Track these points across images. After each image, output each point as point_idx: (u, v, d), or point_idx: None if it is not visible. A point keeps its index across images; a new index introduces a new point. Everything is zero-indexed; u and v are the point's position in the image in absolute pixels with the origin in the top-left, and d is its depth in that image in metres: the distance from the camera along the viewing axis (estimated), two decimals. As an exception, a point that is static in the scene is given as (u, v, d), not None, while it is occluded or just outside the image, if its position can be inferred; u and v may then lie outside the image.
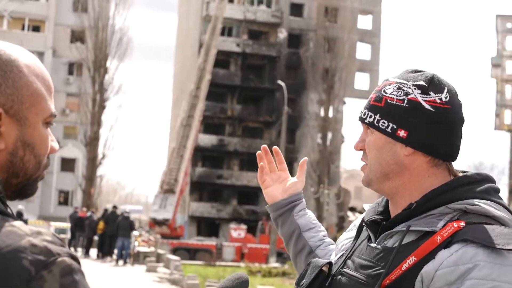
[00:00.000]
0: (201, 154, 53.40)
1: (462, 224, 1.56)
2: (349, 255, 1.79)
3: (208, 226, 53.04)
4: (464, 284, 1.48)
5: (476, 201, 1.62)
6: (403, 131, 1.68)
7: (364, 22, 63.72)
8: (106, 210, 28.81)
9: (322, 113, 54.35)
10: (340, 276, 1.75)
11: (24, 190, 1.31)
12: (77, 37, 52.89)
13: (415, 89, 1.69)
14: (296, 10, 58.84)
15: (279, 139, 49.48)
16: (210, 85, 44.66)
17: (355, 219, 2.00)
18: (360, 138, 1.79)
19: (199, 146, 49.63)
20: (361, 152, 1.79)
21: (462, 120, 1.72)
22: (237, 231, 39.61)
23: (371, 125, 1.72)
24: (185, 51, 61.73)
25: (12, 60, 1.28)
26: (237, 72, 56.30)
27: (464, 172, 1.74)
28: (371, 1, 61.50)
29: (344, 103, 56.55)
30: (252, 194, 55.19)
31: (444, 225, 1.59)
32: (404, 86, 1.70)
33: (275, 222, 2.19)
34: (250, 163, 55.80)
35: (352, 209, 58.26)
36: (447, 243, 1.55)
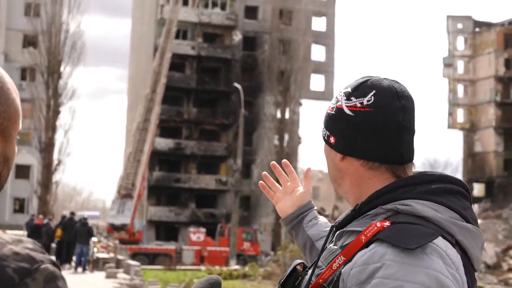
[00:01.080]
0: (158, 158, 53.09)
1: (387, 224, 1.55)
2: (319, 258, 1.81)
3: (167, 230, 52.76)
4: (370, 283, 1.48)
5: (408, 201, 1.59)
6: (332, 138, 1.73)
7: (318, 24, 64.27)
8: (63, 217, 28.43)
9: (278, 115, 54.56)
10: (305, 276, 1.78)
11: None
12: (29, 41, 52.11)
13: (342, 96, 1.72)
14: (251, 12, 58.98)
15: (236, 141, 49.51)
16: (165, 88, 44.47)
17: None
18: None
19: (156, 150, 49.35)
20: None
21: (392, 121, 1.66)
22: (196, 234, 39.52)
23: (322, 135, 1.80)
24: (140, 55, 61.33)
25: (0, 77, 1.29)
26: (192, 75, 56.16)
27: (425, 172, 1.71)
28: (324, 3, 62.01)
29: (300, 104, 56.87)
30: (210, 197, 55.08)
31: (369, 225, 1.59)
32: (338, 95, 1.75)
33: (290, 234, 2.25)
34: (207, 166, 55.69)
35: (310, 210, 58.62)
36: (368, 243, 1.55)
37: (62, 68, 46.97)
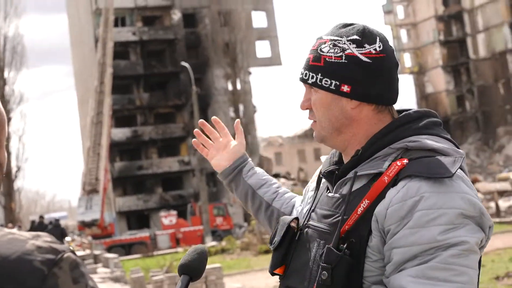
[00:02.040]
0: (117, 149, 52.72)
1: (405, 161, 1.63)
2: (312, 208, 1.86)
3: (138, 219, 52.65)
4: (413, 216, 1.56)
5: (415, 137, 1.70)
6: (346, 86, 1.74)
7: (255, -10, 63.95)
8: (33, 222, 28.21)
9: (230, 87, 54.52)
10: (306, 229, 1.81)
11: None
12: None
13: (350, 44, 1.75)
14: (186, -11, 58.45)
15: (192, 120, 49.40)
16: (113, 78, 44.01)
17: (316, 171, 2.06)
18: (304, 98, 1.84)
19: (114, 141, 48.99)
20: (307, 111, 1.86)
21: (396, 65, 1.81)
22: (168, 218, 39.52)
23: (314, 85, 1.78)
24: (82, 49, 60.46)
25: None
26: (138, 61, 55.62)
27: (406, 110, 1.82)
28: (258, -32, 61.72)
29: (250, 73, 56.86)
30: (175, 179, 55.02)
31: (389, 165, 1.66)
32: (339, 43, 1.76)
33: (229, 187, 2.26)
34: (168, 149, 55.51)
35: (276, 176, 58.93)
36: (394, 182, 1.62)
37: (6, 74, 46.17)
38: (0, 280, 1.17)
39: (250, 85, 56.93)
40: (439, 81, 71.10)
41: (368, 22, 1.94)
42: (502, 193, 32.64)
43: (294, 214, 2.12)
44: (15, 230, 1.26)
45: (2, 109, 1.39)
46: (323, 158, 1.99)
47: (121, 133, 53.33)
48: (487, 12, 66.62)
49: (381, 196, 1.63)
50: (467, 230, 1.56)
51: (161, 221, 39.92)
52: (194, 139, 2.34)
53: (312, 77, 1.78)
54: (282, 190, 2.22)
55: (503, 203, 30.50)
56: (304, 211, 1.93)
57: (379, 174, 1.67)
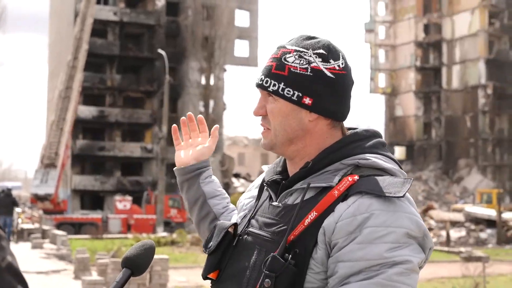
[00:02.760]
0: (81, 126, 52.21)
1: (356, 177, 1.67)
2: (252, 215, 1.85)
3: (92, 199, 52.19)
4: (362, 232, 1.59)
5: (366, 156, 1.73)
6: (308, 99, 1.75)
7: (242, -11, 63.91)
8: (-15, 188, 27.77)
9: (203, 81, 54.40)
10: (246, 236, 1.81)
11: None
12: None
13: (316, 57, 1.76)
14: (174, -23, 58.19)
15: (161, 108, 49.13)
16: (88, 55, 43.60)
17: (254, 181, 2.08)
18: (259, 104, 1.84)
19: (79, 118, 48.49)
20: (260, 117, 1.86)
21: (353, 83, 1.83)
22: (122, 202, 39.27)
23: (275, 93, 1.77)
24: (61, 21, 59.78)
25: None
26: (115, 42, 55.16)
27: (353, 129, 1.86)
28: (248, -32, 61.70)
29: (225, 70, 56.80)
30: (135, 165, 54.68)
31: (339, 180, 1.68)
32: (305, 55, 1.77)
33: (180, 185, 2.21)
34: (132, 134, 55.14)
35: (236, 175, 58.98)
36: (344, 197, 1.64)
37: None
38: None
39: (224, 82, 56.87)
40: (409, 106, 71.85)
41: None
42: (454, 223, 33.09)
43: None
44: None
45: None
46: (265, 167, 2.00)
47: (88, 111, 52.82)
48: (465, 45, 67.53)
49: (330, 209, 1.65)
50: (411, 249, 1.60)
51: (115, 205, 39.65)
52: (174, 125, 2.29)
53: (274, 85, 1.77)
54: (231, 206, 2.20)
55: (454, 233, 30.93)
56: (242, 218, 1.92)
57: (328, 188, 1.69)
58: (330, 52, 1.78)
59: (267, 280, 1.61)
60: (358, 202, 1.62)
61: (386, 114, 74.65)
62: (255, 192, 2.00)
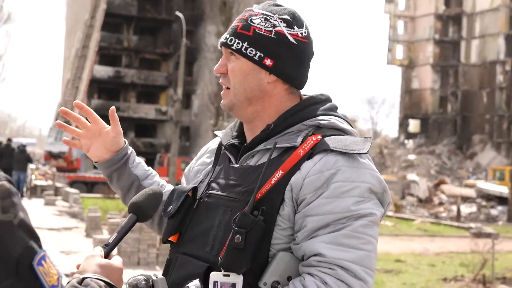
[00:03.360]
0: (97, 86, 52.32)
1: (319, 137, 1.75)
2: (211, 179, 1.90)
3: (105, 159, 52.48)
4: (329, 187, 1.68)
5: (326, 117, 1.82)
6: (269, 60, 1.81)
7: (263, -46, 63.30)
8: (0, 143, 27.99)
9: (219, 45, 54.15)
10: (206, 198, 1.85)
11: None
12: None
13: (281, 22, 1.82)
14: None
15: (176, 71, 49.01)
16: (105, 15, 43.50)
17: (202, 149, 2.10)
18: (221, 62, 1.88)
19: (94, 77, 48.56)
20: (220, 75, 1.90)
21: (313, 54, 1.89)
22: (135, 163, 39.42)
23: (238, 51, 1.82)
24: (79, -21, 59.53)
25: None
26: (133, 2, 54.97)
27: (306, 95, 1.92)
28: None
29: (242, 35, 56.54)
30: (149, 127, 54.84)
31: (303, 140, 1.76)
32: (271, 18, 1.83)
33: (109, 177, 2.13)
34: (147, 95, 55.19)
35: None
36: (309, 155, 1.73)
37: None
38: None
39: (240, 48, 56.66)
40: (426, 79, 71.33)
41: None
42: (465, 199, 33.06)
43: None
44: None
45: None
46: (218, 132, 2.04)
47: (104, 71, 52.86)
48: (486, 20, 66.73)
49: (296, 168, 1.72)
50: (373, 203, 1.71)
51: (127, 166, 39.81)
52: (63, 138, 2.16)
53: (238, 44, 1.83)
54: (163, 182, 2.19)
55: (465, 209, 30.91)
56: (199, 182, 1.94)
57: (292, 148, 1.76)
58: (294, 19, 1.85)
59: (237, 236, 1.65)
60: (324, 160, 1.71)
61: (402, 86, 74.18)
62: (207, 159, 2.03)
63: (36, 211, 18.51)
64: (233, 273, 1.68)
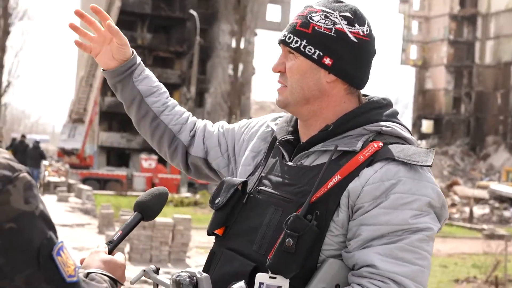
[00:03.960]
0: (110, 84, 52.50)
1: (381, 144, 1.70)
2: (262, 174, 1.85)
3: (118, 156, 52.66)
4: (389, 198, 1.63)
5: (388, 124, 1.77)
6: (328, 59, 1.76)
7: (277, -47, 63.21)
8: (14, 140, 28.15)
9: (233, 44, 54.17)
10: (257, 194, 1.81)
11: None
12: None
13: (341, 19, 1.76)
14: None
15: (190, 69, 49.12)
16: (120, 13, 43.61)
17: (255, 125, 2.03)
18: (279, 60, 1.83)
19: (108, 75, 48.69)
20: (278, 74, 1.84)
21: (375, 53, 1.84)
22: (148, 161, 39.54)
23: (296, 49, 1.77)
24: (94, -23, 59.72)
25: None
26: (147, 0, 55.07)
27: (366, 96, 1.87)
28: None
29: (256, 34, 56.51)
30: (162, 125, 54.95)
31: (363, 145, 1.71)
32: (331, 16, 1.77)
33: (113, 87, 2.12)
34: (160, 93, 55.31)
35: (262, 140, 59.02)
36: (369, 162, 1.67)
37: (12, -13, 45.63)
38: None
39: (254, 46, 56.63)
40: (440, 79, 71.02)
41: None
42: (478, 200, 32.90)
43: (191, 139, 2.11)
44: None
45: None
46: (272, 123, 1.98)
47: (117, 69, 53.02)
48: (501, 21, 66.35)
49: (354, 174, 1.67)
50: (431, 218, 1.66)
51: (140, 163, 39.96)
52: (76, 39, 2.11)
53: (297, 42, 1.78)
54: (171, 102, 2.15)
55: (477, 210, 30.78)
56: (248, 175, 1.91)
57: (351, 152, 1.71)
58: (356, 17, 1.79)
59: (289, 239, 1.61)
60: (386, 168, 1.65)
61: (416, 86, 73.91)
62: (258, 145, 1.97)
63: (49, 207, 18.55)
64: (280, 276, 1.64)
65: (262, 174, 1.85)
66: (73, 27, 2.06)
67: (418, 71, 73.74)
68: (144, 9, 54.50)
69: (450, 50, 70.55)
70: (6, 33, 44.98)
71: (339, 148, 1.71)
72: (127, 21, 52.52)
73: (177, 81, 54.55)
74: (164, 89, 2.14)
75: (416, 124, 71.13)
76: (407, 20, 73.66)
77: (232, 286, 1.64)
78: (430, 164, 1.65)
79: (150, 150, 48.78)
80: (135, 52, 2.10)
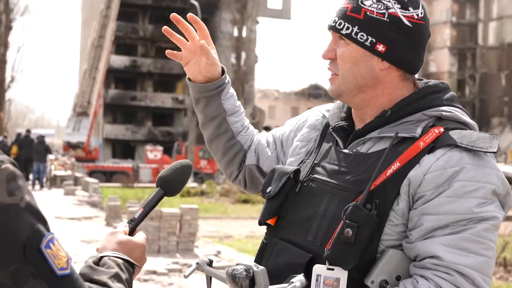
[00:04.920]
0: (113, 76, 52.47)
1: (442, 130, 1.62)
2: (315, 161, 1.79)
3: (123, 149, 52.72)
4: (452, 186, 1.56)
5: (448, 108, 1.69)
6: (381, 46, 1.68)
7: None
8: (19, 135, 28.19)
9: (235, 32, 54.07)
10: (310, 183, 1.75)
11: None
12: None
13: (395, 3, 1.68)
14: None
15: (193, 59, 49.02)
16: (121, 4, 43.53)
17: (306, 116, 1.98)
18: (329, 47, 1.75)
19: (111, 67, 48.69)
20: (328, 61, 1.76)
21: (429, 35, 1.78)
22: (153, 152, 39.55)
23: (347, 36, 1.69)
24: (94, -31, 59.60)
25: None
26: (148, -9, 54.98)
27: (421, 80, 1.81)
28: None
29: (257, 22, 56.38)
30: (166, 115, 54.95)
31: (423, 131, 1.64)
32: (385, 0, 1.69)
33: (196, 100, 2.06)
34: (163, 84, 55.28)
35: (267, 128, 58.95)
36: (430, 149, 1.60)
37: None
38: None
39: (256, 34, 56.52)
40: (444, 62, 70.84)
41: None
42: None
43: (254, 153, 2.05)
44: None
45: None
46: (323, 110, 1.94)
47: (120, 61, 52.99)
48: (503, 1, 66.04)
49: (414, 161, 1.60)
50: (496, 206, 1.59)
51: (146, 155, 39.98)
52: (168, 50, 2.08)
53: (348, 28, 1.69)
54: (247, 123, 2.11)
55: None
56: (299, 163, 1.85)
57: (410, 138, 1.64)
58: (410, 0, 1.71)
59: (348, 229, 1.55)
60: (448, 155, 1.58)
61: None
62: (308, 134, 1.92)
63: (56, 201, 18.66)
64: (338, 267, 1.58)
65: (315, 162, 1.79)
66: (167, 31, 2.02)
67: (422, 54, 73.49)
68: (145, 0, 54.41)
69: (453, 33, 70.31)
70: (8, 28, 44.95)
71: (401, 135, 1.64)
72: (128, 12, 52.44)
73: (180, 71, 54.50)
74: (242, 109, 2.10)
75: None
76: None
77: (292, 280, 1.58)
78: (495, 150, 1.58)
79: (155, 142, 48.87)
80: (225, 70, 2.04)
